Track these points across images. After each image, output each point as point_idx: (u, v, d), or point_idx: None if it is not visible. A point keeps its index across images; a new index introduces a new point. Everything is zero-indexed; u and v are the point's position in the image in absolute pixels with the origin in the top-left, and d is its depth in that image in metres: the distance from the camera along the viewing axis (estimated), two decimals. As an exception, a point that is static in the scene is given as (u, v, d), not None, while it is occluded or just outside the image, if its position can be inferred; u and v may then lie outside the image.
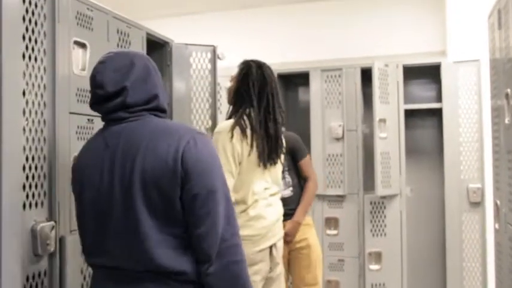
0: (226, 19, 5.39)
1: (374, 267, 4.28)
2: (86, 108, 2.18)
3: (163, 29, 3.05)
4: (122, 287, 1.59)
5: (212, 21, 5.39)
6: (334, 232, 4.44)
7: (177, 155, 1.55)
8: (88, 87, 2.17)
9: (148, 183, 1.54)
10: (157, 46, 2.99)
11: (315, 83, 4.57)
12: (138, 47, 2.66)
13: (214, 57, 3.23)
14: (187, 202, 1.55)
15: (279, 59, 5.06)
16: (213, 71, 3.25)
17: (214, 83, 3.26)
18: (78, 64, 2.17)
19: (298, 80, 4.93)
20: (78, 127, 2.14)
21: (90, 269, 2.15)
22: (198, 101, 3.22)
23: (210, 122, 3.24)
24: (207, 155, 1.61)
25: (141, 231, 1.54)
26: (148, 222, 1.54)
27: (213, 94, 3.23)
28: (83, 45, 2.20)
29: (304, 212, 3.23)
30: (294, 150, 3.26)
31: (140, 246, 1.54)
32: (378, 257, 4.28)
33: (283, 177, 3.12)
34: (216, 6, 5.35)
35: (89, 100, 1.75)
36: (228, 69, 4.81)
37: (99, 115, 1.73)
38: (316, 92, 4.55)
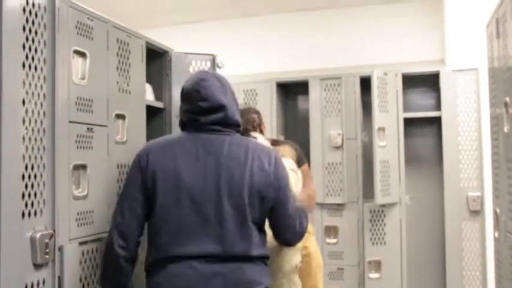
0: (225, 28, 5.41)
1: (374, 275, 4.27)
2: (86, 117, 2.19)
3: (162, 38, 3.06)
4: (216, 267, 1.93)
5: (211, 30, 5.41)
6: (334, 241, 4.43)
7: (273, 169, 2.04)
8: (88, 96, 2.18)
9: (253, 190, 1.98)
10: (156, 55, 3.00)
11: (314, 91, 4.58)
12: (138, 56, 2.67)
13: (213, 66, 3.24)
14: (278, 205, 2.06)
15: (278, 67, 5.09)
16: None
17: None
18: (78, 73, 2.17)
19: (297, 88, 4.93)
20: (77, 136, 2.14)
21: (89, 278, 2.15)
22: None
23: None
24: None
25: (248, 225, 1.97)
26: (250, 219, 1.98)
27: None
28: (82, 55, 2.20)
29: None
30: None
31: (246, 236, 1.97)
32: (377, 265, 4.27)
33: None
34: (216, 15, 5.37)
35: (181, 111, 2.13)
36: (227, 77, 4.84)
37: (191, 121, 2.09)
38: (315, 101, 4.56)
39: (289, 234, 2.17)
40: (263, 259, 2.05)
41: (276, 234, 2.18)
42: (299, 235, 2.19)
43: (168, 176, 1.98)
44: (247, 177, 1.97)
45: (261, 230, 2.08)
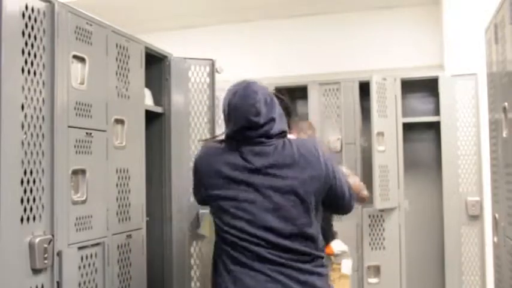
0: (224, 33, 5.41)
1: (373, 280, 4.26)
2: (85, 122, 2.20)
3: (161, 43, 3.06)
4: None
5: (210, 35, 5.40)
6: (333, 246, 4.42)
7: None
8: (87, 101, 2.18)
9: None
10: (156, 60, 3.00)
11: (313, 96, 4.58)
12: (137, 60, 2.67)
13: (212, 71, 3.24)
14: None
15: (278, 72, 5.08)
16: (212, 84, 3.25)
17: (212, 97, 3.26)
18: (77, 78, 2.18)
19: (296, 93, 4.93)
20: (76, 140, 2.14)
21: (88, 283, 2.15)
22: (196, 114, 3.22)
23: (208, 136, 3.24)
24: None
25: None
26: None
27: (212, 108, 3.23)
28: (81, 60, 2.20)
29: None
30: None
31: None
32: (376, 270, 4.26)
33: None
34: (215, 20, 5.37)
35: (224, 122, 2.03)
36: (227, 82, 4.84)
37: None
38: (314, 106, 4.57)
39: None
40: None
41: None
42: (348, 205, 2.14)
43: None
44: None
45: None
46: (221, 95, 4.29)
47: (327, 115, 4.53)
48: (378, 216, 4.30)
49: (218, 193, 1.93)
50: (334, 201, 2.03)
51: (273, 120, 1.96)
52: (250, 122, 1.92)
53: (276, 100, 2.03)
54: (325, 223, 2.84)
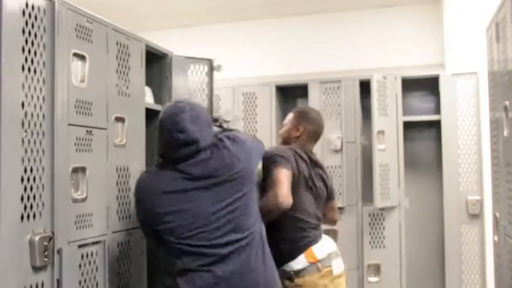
0: (225, 31, 5.40)
1: (373, 279, 4.26)
2: (85, 120, 2.19)
3: (161, 41, 3.05)
4: None
5: (211, 34, 5.40)
6: (333, 244, 4.42)
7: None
8: (87, 99, 2.18)
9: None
10: (156, 58, 3.00)
11: (313, 95, 4.57)
12: (138, 58, 2.66)
13: (211, 70, 3.24)
14: None
15: (278, 70, 5.08)
16: (210, 83, 3.26)
17: (211, 96, 3.27)
18: (78, 76, 2.17)
19: (297, 92, 4.93)
20: (76, 138, 2.14)
21: (88, 281, 2.15)
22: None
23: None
24: None
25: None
26: None
27: (210, 107, 3.23)
28: (82, 57, 2.20)
29: None
30: None
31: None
32: (376, 269, 4.26)
33: None
34: (215, 18, 5.36)
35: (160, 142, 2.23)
36: (227, 81, 4.84)
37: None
38: (314, 104, 4.54)
39: None
40: None
41: None
42: None
43: None
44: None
45: None
46: (221, 94, 4.30)
47: (328, 114, 4.51)
48: (378, 214, 4.30)
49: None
50: None
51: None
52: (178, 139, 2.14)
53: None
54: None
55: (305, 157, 2.77)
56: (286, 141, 2.94)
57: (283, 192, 2.47)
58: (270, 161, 2.59)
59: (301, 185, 2.66)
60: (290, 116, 3.00)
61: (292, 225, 2.61)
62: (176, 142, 2.12)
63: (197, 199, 2.11)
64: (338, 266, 2.74)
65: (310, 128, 2.94)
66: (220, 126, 2.61)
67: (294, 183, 2.60)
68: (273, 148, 2.91)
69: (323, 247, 2.67)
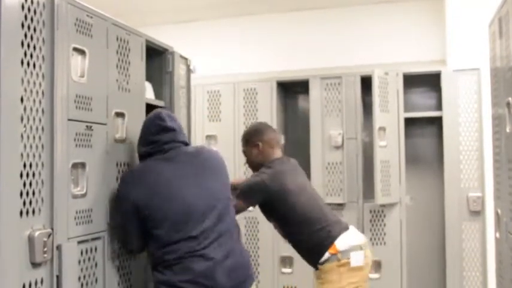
0: (226, 27, 5.39)
1: (374, 276, 4.25)
2: (85, 115, 2.18)
3: (162, 36, 3.04)
4: None
5: (212, 29, 5.39)
6: (334, 240, 4.41)
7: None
8: (87, 94, 2.17)
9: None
10: (156, 53, 2.98)
11: (314, 91, 4.56)
12: (138, 54, 2.65)
13: (188, 69, 3.25)
14: None
15: (279, 66, 5.07)
16: (188, 82, 3.27)
17: (188, 93, 3.29)
18: (77, 71, 2.16)
19: (297, 88, 4.92)
20: (76, 134, 2.13)
21: (87, 277, 2.14)
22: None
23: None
24: None
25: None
26: None
27: (188, 105, 3.25)
28: (82, 52, 2.18)
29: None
30: None
31: None
32: (377, 265, 4.26)
33: None
34: (216, 14, 5.35)
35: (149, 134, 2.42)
36: (228, 76, 4.82)
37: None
38: (315, 100, 4.55)
39: None
40: None
41: None
42: None
43: None
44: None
45: None
46: (221, 90, 4.29)
47: (329, 110, 4.51)
48: (379, 211, 4.29)
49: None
50: None
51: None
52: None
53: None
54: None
55: (285, 166, 3.03)
56: (259, 164, 3.08)
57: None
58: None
59: (293, 196, 2.91)
60: (243, 147, 3.19)
61: (311, 233, 2.88)
62: (157, 128, 2.40)
63: (184, 188, 2.31)
64: (358, 258, 2.87)
65: (266, 138, 3.11)
66: None
67: (287, 200, 2.89)
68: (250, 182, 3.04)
69: (346, 239, 2.86)
